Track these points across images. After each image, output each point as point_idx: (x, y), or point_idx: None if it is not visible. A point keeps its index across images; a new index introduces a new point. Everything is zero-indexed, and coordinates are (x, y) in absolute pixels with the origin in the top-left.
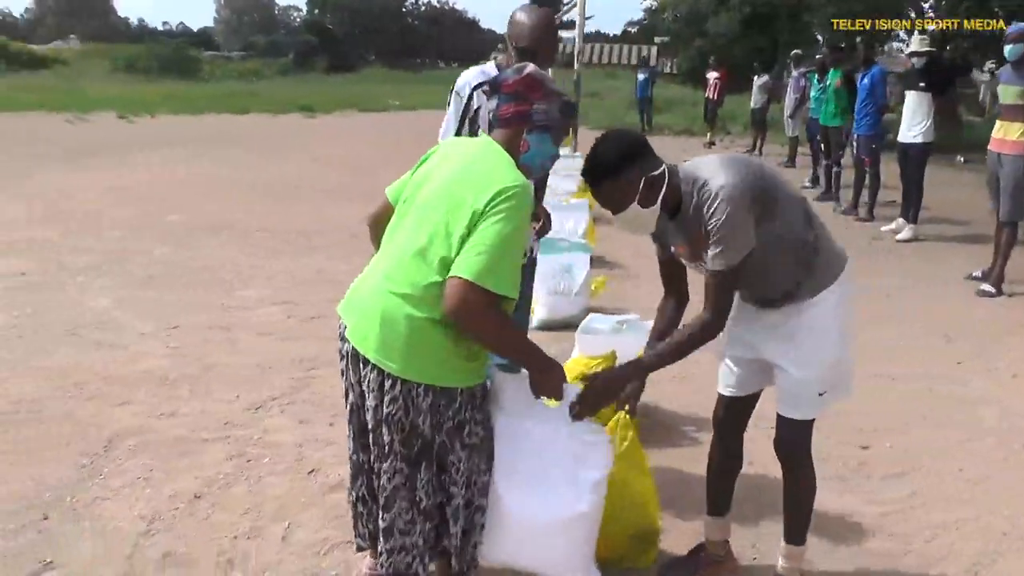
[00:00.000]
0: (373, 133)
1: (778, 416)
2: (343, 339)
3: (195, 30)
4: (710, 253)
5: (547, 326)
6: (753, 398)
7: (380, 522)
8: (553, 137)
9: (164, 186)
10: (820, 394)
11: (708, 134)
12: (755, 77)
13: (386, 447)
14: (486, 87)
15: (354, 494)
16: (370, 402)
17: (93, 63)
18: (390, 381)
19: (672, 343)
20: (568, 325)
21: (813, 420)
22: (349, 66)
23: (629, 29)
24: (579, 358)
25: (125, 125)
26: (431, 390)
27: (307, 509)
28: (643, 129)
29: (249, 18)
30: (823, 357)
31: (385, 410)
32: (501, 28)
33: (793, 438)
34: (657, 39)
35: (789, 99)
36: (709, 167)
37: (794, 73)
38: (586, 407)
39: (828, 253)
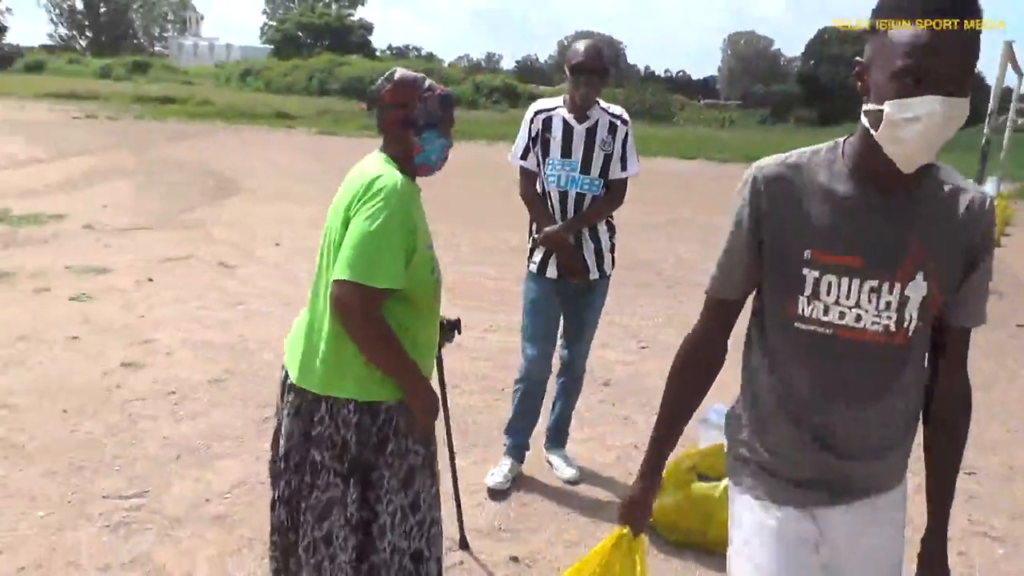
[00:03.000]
0: None
1: None
2: (283, 368)
3: (696, 79)
4: (979, 301)
5: None
6: None
7: (315, 533)
8: (440, 131)
9: None
10: None
11: None
12: None
13: (318, 465)
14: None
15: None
16: (294, 426)
17: None
18: (318, 404)
19: (959, 438)
20: None
21: None
22: (836, 119)
23: None
24: (690, 450)
25: None
26: (354, 405)
27: None
28: None
29: (754, 67)
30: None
31: (314, 431)
32: None
33: None
34: None
35: None
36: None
37: None
38: None
39: None
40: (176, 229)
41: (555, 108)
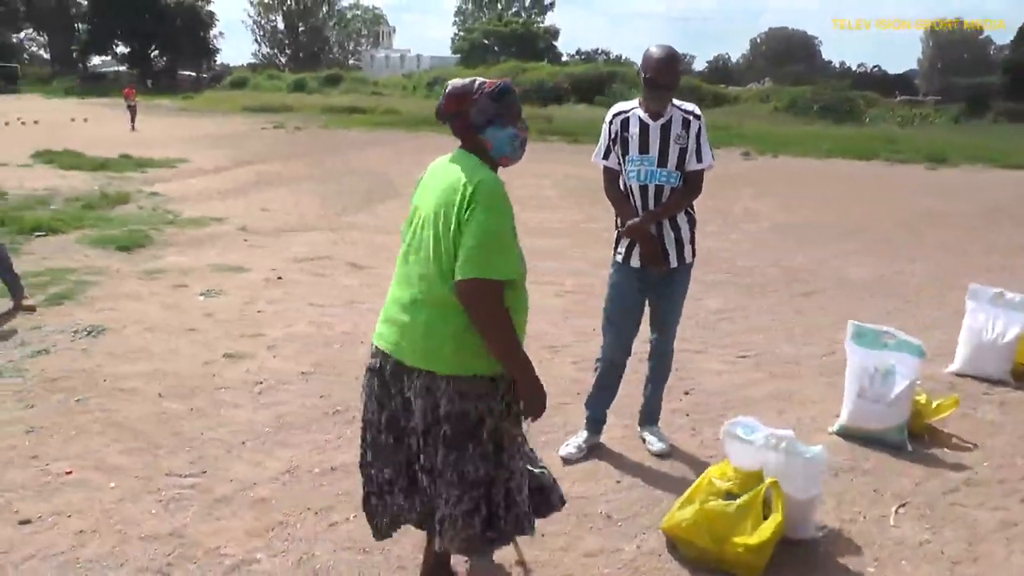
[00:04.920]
0: (968, 195)
1: None
2: (376, 356)
3: (892, 73)
4: None
5: (848, 433)
6: None
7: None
8: (502, 122)
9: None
10: None
11: None
12: None
13: (451, 439)
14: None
15: (387, 499)
16: (418, 406)
17: (767, 104)
18: (441, 383)
19: None
20: (872, 439)
21: None
22: None
23: None
24: (727, 469)
25: (741, 161)
26: (477, 377)
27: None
28: None
29: (959, 59)
30: None
31: (443, 409)
32: None
33: None
34: None
35: None
36: None
37: None
38: None
39: None
40: (324, 231)
41: (631, 109)
